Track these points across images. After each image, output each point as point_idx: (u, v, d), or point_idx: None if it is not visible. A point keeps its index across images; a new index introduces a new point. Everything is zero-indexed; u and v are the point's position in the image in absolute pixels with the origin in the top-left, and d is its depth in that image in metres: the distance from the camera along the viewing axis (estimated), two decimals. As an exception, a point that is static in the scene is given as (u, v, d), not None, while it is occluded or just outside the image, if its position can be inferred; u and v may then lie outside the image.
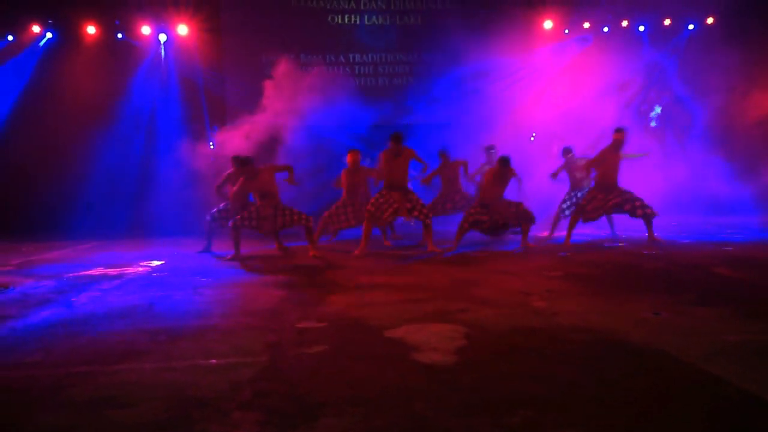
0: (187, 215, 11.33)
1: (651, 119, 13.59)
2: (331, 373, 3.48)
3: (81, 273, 7.42)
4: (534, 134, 13.69)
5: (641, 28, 13.80)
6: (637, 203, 8.53)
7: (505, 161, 8.51)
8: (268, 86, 11.77)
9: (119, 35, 13.00)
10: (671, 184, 11.79)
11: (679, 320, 4.39)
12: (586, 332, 4.12)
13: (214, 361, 3.74)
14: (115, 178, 12.82)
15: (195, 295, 5.84)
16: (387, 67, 13.78)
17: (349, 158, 9.35)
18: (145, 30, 12.86)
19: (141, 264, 8.07)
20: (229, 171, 9.18)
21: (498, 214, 8.51)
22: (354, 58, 13.71)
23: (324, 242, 9.60)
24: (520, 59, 13.48)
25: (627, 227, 9.69)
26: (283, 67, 11.77)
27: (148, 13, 12.80)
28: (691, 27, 13.76)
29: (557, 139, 9.76)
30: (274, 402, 3.06)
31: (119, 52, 13.10)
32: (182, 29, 12.84)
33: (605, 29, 13.79)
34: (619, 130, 8.76)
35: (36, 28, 12.70)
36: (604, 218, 9.11)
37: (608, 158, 8.72)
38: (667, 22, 13.71)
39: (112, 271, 7.49)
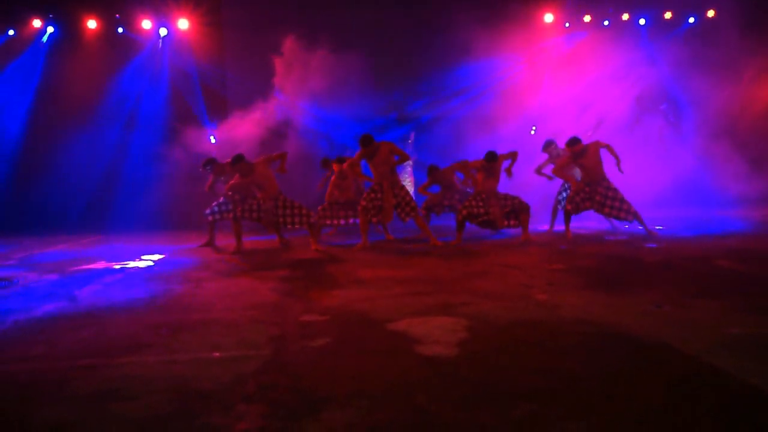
0: (188, 209, 11.36)
1: (658, 111, 13.55)
2: (335, 366, 3.48)
3: (83, 267, 7.44)
4: (534, 128, 13.68)
5: (642, 21, 13.77)
6: (616, 206, 8.59)
7: (490, 156, 8.55)
8: (279, 63, 11.72)
9: (120, 29, 12.97)
10: (672, 177, 11.80)
11: (681, 313, 4.39)
12: (589, 325, 4.13)
13: (217, 354, 3.75)
14: (114, 173, 12.83)
15: (197, 289, 5.85)
16: (388, 60, 13.71)
17: (335, 168, 9.35)
18: (146, 24, 12.83)
19: (143, 258, 8.08)
20: (211, 176, 9.21)
21: (494, 207, 8.53)
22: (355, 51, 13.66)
23: (325, 233, 9.62)
24: (521, 52, 13.47)
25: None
26: (291, 44, 11.71)
27: (148, 6, 12.77)
28: (691, 20, 13.73)
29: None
30: (278, 395, 3.06)
31: (120, 46, 13.07)
32: (183, 23, 12.81)
33: (606, 23, 13.76)
34: (571, 143, 8.74)
35: (37, 23, 12.68)
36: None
37: (581, 161, 8.74)
38: (668, 15, 13.67)
39: (114, 265, 7.51)
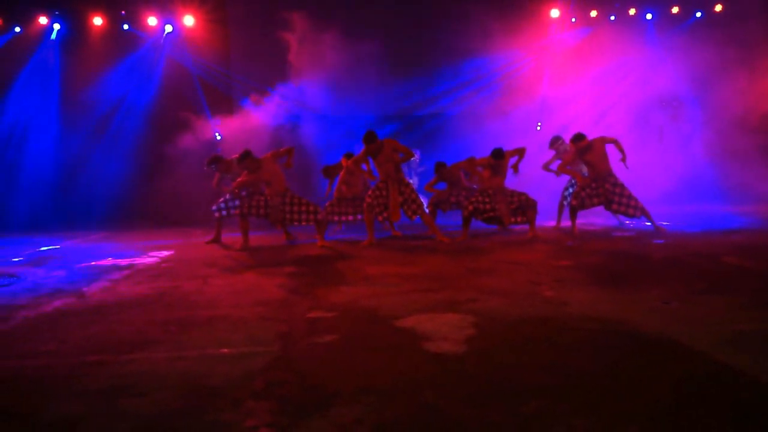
0: (194, 205, 11.38)
1: (666, 106, 13.48)
2: (343, 362, 3.49)
3: (91, 263, 7.47)
4: (539, 123, 13.65)
5: (648, 16, 13.70)
6: (623, 202, 8.58)
7: (497, 154, 8.53)
8: (292, 40, 11.69)
9: (125, 26, 12.98)
10: (679, 173, 11.76)
11: (689, 309, 4.38)
12: (597, 321, 4.12)
13: (225, 350, 3.77)
14: (117, 171, 12.86)
15: (204, 286, 5.87)
16: (393, 58, 13.69)
17: (343, 162, 9.34)
18: (152, 21, 12.83)
19: (150, 254, 8.11)
20: (217, 173, 9.22)
21: (501, 204, 8.52)
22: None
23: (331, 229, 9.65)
24: (527, 48, 13.44)
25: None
26: (303, 25, 11.68)
27: (154, 3, 12.76)
28: (698, 15, 13.65)
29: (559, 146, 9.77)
30: (286, 391, 3.08)
31: (125, 43, 13.08)
32: (188, 20, 12.81)
33: (612, 18, 13.69)
34: (575, 138, 8.72)
35: (43, 20, 12.70)
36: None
37: (586, 157, 8.73)
38: (675, 9, 13.60)
39: (121, 262, 7.54)
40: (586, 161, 8.84)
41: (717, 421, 2.60)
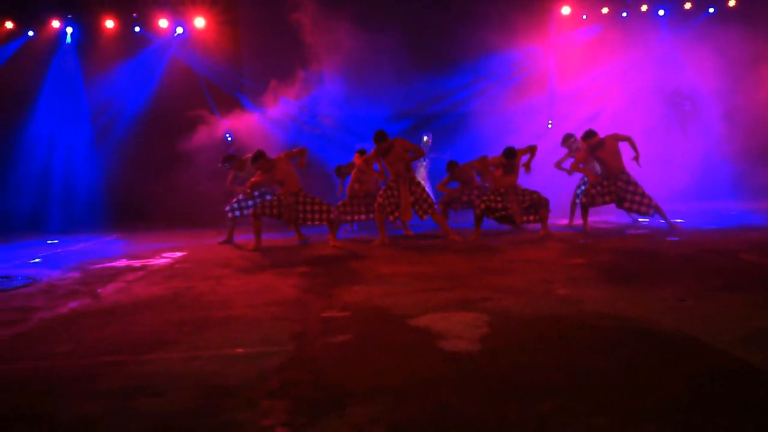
0: (207, 206, 11.42)
1: (678, 103, 13.38)
2: (357, 362, 3.49)
3: (106, 265, 7.52)
4: (550, 122, 13.59)
5: (661, 12, 13.59)
6: (636, 200, 8.54)
7: (509, 153, 8.50)
8: (306, 21, 11.67)
9: (137, 28, 13.05)
10: (693, 170, 11.67)
11: (706, 307, 4.34)
12: (611, 319, 4.09)
13: (240, 350, 3.78)
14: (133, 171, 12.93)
15: (218, 286, 5.89)
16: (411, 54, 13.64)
17: (356, 159, 9.34)
18: (163, 23, 12.89)
19: (163, 255, 8.15)
20: (231, 172, 9.28)
21: (513, 203, 8.49)
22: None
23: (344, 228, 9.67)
24: (538, 45, 13.39)
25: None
26: (316, 14, 11.66)
27: (165, 5, 12.82)
28: (711, 10, 13.53)
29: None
30: (302, 391, 3.08)
31: (137, 45, 13.16)
32: (199, 21, 12.86)
33: (624, 14, 13.60)
34: (586, 136, 8.68)
35: (55, 23, 12.79)
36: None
37: (598, 153, 8.68)
38: (687, 5, 13.49)
39: (135, 263, 7.58)
40: (597, 158, 8.79)
41: (734, 419, 2.57)
